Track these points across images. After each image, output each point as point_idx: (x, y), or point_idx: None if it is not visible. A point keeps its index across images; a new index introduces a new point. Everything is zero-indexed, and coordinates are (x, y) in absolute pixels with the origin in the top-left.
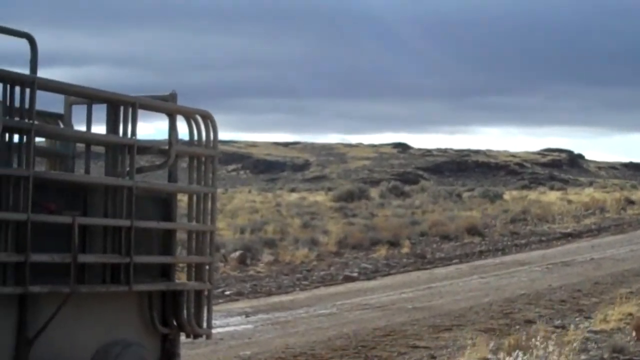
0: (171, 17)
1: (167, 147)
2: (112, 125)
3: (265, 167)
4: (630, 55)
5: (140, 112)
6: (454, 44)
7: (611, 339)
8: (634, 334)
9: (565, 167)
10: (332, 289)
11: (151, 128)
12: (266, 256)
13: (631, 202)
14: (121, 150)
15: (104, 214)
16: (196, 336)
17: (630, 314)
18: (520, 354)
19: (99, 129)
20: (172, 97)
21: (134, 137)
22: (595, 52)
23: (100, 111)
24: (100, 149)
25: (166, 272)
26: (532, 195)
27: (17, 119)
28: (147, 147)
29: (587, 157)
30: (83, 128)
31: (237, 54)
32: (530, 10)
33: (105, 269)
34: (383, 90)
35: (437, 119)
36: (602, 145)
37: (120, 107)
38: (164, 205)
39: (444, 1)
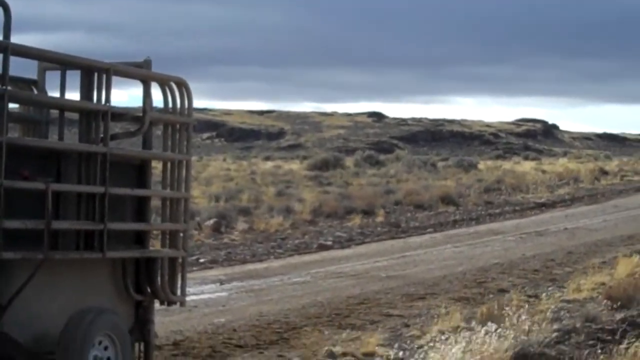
0: None
1: (141, 114)
2: (85, 92)
3: (240, 135)
4: (605, 27)
5: (114, 78)
6: (430, 13)
7: (584, 308)
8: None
9: (539, 137)
10: (307, 257)
11: (125, 95)
12: (241, 224)
13: (605, 173)
14: (95, 116)
15: (78, 181)
16: (170, 303)
17: (603, 284)
18: (498, 324)
19: (73, 95)
20: (147, 64)
21: (108, 104)
22: (570, 23)
23: (74, 78)
24: (74, 116)
25: (140, 239)
26: (507, 165)
27: None
28: (121, 114)
29: (562, 127)
30: (57, 94)
31: (212, 22)
32: None
33: (79, 235)
34: (358, 59)
35: (412, 89)
36: (577, 116)
37: (94, 73)
38: (138, 173)
39: None
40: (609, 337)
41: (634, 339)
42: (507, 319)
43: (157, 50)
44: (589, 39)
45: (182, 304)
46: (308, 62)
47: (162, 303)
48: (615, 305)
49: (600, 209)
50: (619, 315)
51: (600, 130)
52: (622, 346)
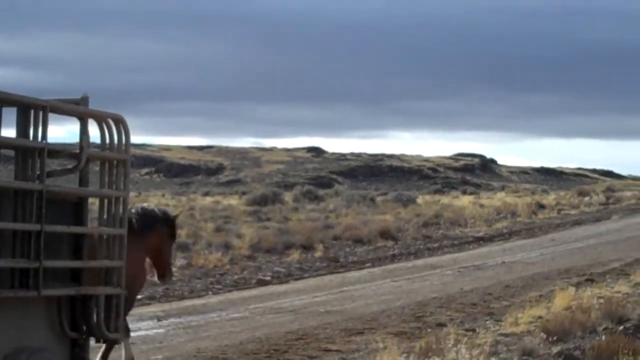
0: (85, 19)
1: (78, 151)
2: (22, 129)
3: (178, 170)
4: (545, 62)
5: (51, 115)
6: (369, 48)
7: (521, 341)
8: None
9: (477, 171)
10: (245, 293)
11: (62, 131)
12: (179, 260)
13: (542, 207)
14: (31, 153)
15: (14, 218)
16: (106, 341)
17: (540, 317)
18: (436, 358)
19: (9, 132)
20: (84, 100)
21: (44, 141)
22: (509, 58)
23: (10, 114)
24: (11, 152)
25: (76, 276)
26: (445, 199)
27: None
28: (58, 151)
29: (500, 161)
30: None
31: (151, 58)
32: (450, 14)
33: (14, 273)
34: (297, 94)
35: (351, 124)
36: (515, 150)
37: (30, 110)
38: (75, 210)
39: (361, 6)
40: None
41: None
42: (445, 352)
43: (94, 85)
44: (528, 73)
45: (118, 341)
46: (247, 97)
47: (98, 341)
48: (552, 339)
49: (537, 242)
50: (555, 349)
51: (537, 165)
52: None
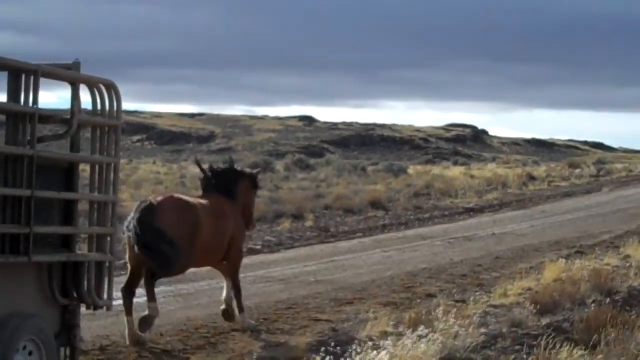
0: None
1: (69, 117)
2: (13, 94)
3: (170, 138)
4: (537, 33)
5: (43, 80)
6: (362, 17)
7: (510, 313)
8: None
9: (469, 142)
10: None
11: (54, 97)
12: None
13: (533, 178)
14: (22, 119)
15: (4, 183)
16: (97, 308)
17: (530, 289)
18: (423, 328)
19: (0, 97)
20: (76, 65)
21: (35, 106)
22: (502, 29)
23: (1, 79)
24: (1, 117)
25: (67, 243)
26: (436, 170)
27: None
28: (49, 116)
29: (491, 132)
30: None
31: (142, 24)
32: None
33: (4, 239)
34: (290, 62)
35: (344, 93)
36: (506, 121)
37: (21, 75)
38: (66, 175)
39: None
40: (535, 342)
41: (559, 344)
42: (435, 323)
43: (87, 52)
44: (520, 44)
45: (109, 308)
46: (239, 65)
47: (88, 307)
48: (541, 311)
49: (528, 214)
50: (544, 321)
51: (529, 136)
52: (548, 351)
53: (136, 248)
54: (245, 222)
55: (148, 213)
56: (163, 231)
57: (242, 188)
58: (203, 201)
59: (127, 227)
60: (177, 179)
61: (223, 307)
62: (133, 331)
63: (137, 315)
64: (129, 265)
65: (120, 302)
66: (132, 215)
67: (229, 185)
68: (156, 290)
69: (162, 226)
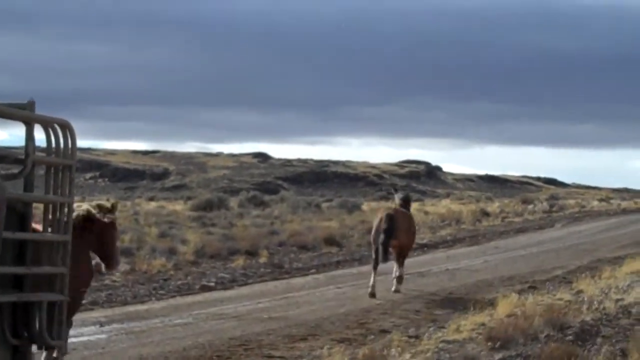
0: (31, 22)
1: (23, 157)
2: None
3: (123, 175)
4: (490, 70)
5: None
6: (317, 55)
7: (463, 348)
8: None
9: (423, 178)
10: (189, 299)
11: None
12: (122, 265)
13: (486, 214)
14: None
15: None
16: (48, 348)
17: (483, 324)
18: None
19: None
20: (30, 105)
21: None
22: (455, 66)
23: None
24: None
25: (19, 282)
26: (390, 205)
27: None
28: (2, 156)
29: (445, 169)
30: None
31: (96, 61)
32: (396, 20)
33: None
34: (244, 99)
35: (298, 130)
36: (460, 158)
37: None
38: (19, 215)
39: (307, 13)
40: None
41: None
42: (388, 359)
43: (40, 89)
44: (474, 81)
45: (61, 349)
46: (193, 102)
47: (40, 347)
48: (495, 346)
49: (481, 249)
50: (497, 356)
51: (482, 172)
52: None
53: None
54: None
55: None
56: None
57: (409, 205)
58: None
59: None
60: (130, 216)
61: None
62: None
63: (88, 353)
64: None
65: (73, 339)
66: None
67: (407, 203)
68: (108, 327)
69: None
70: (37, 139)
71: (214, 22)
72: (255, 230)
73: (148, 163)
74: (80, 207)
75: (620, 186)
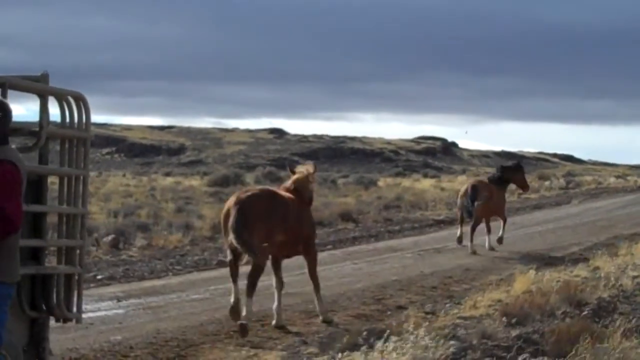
0: None
1: (37, 129)
2: None
3: (140, 150)
4: (505, 45)
5: (11, 92)
6: (332, 30)
7: (480, 324)
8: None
9: (439, 155)
10: (206, 274)
11: (22, 109)
12: (139, 240)
13: None
14: None
15: None
16: (66, 320)
17: (499, 300)
18: (394, 338)
19: None
20: (44, 77)
21: None
22: (471, 41)
23: None
24: None
25: (36, 255)
26: (406, 182)
27: None
28: (17, 129)
29: (461, 145)
30: None
31: (112, 36)
32: None
33: None
34: (260, 75)
35: (314, 105)
36: (476, 134)
37: None
38: (35, 188)
39: None
40: (505, 354)
41: (528, 355)
42: (406, 335)
43: (55, 64)
44: (489, 56)
45: (78, 321)
46: (209, 77)
47: (57, 320)
48: (511, 322)
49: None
50: (514, 332)
51: (498, 148)
52: None
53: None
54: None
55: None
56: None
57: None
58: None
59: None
60: (147, 191)
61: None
62: None
63: (105, 328)
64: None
65: (90, 314)
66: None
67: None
68: (125, 303)
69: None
70: (53, 114)
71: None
72: None
73: (164, 138)
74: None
75: (638, 163)
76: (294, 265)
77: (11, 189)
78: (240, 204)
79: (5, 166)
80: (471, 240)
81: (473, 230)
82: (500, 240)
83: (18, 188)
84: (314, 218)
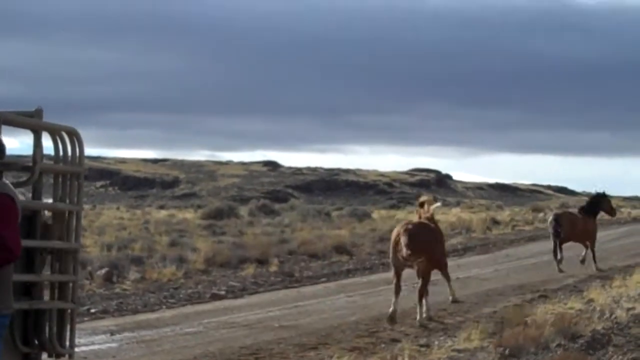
0: (39, 28)
1: (31, 164)
2: None
3: (134, 183)
4: (500, 77)
5: (4, 127)
6: (327, 62)
7: (474, 357)
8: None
9: (433, 187)
10: (199, 307)
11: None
12: (133, 274)
13: (496, 222)
14: None
15: None
16: (58, 356)
17: (494, 333)
18: None
19: None
20: (38, 113)
21: None
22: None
23: None
24: None
25: (29, 290)
26: (400, 214)
27: None
28: (10, 163)
29: (455, 177)
30: None
31: (105, 68)
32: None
33: None
34: (254, 107)
35: (308, 138)
36: (470, 166)
37: None
38: (28, 223)
39: (316, 20)
40: None
41: None
42: None
43: (49, 96)
44: (484, 88)
45: (71, 356)
46: (203, 110)
47: (50, 355)
48: (505, 354)
49: (491, 258)
50: None
51: (492, 181)
52: None
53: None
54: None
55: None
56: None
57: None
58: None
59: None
60: (141, 224)
61: None
62: None
63: None
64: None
65: (83, 348)
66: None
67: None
68: (119, 336)
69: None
70: (46, 147)
71: (224, 30)
72: (266, 238)
73: (158, 171)
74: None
75: (631, 194)
76: (289, 298)
77: (9, 218)
78: (409, 232)
79: (4, 198)
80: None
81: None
82: (583, 261)
83: (16, 219)
84: (310, 250)
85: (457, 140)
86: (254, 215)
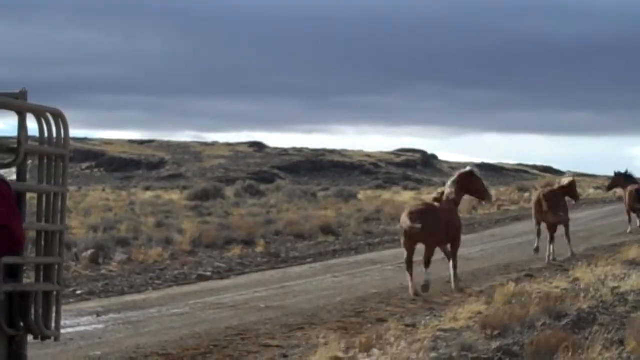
0: (22, 10)
1: (16, 146)
2: None
3: (119, 165)
4: (485, 56)
5: None
6: (311, 42)
7: (460, 337)
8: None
9: (419, 167)
10: (186, 288)
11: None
12: (119, 255)
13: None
14: None
15: None
16: (44, 338)
17: (480, 312)
18: (376, 351)
19: None
20: (22, 94)
21: None
22: (451, 53)
23: None
24: None
25: (14, 272)
26: (386, 195)
27: None
28: None
29: (441, 157)
30: None
31: (91, 50)
32: (390, 8)
33: None
34: (239, 88)
35: (294, 118)
36: (456, 146)
37: None
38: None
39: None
40: None
41: None
42: (387, 347)
43: (35, 78)
44: (469, 68)
45: (57, 338)
46: (189, 90)
47: (36, 337)
48: (491, 334)
49: (477, 238)
50: (494, 344)
51: (478, 160)
52: None
53: None
54: None
55: None
56: None
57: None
58: None
59: None
60: (127, 206)
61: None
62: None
63: (84, 344)
64: None
65: (69, 330)
66: None
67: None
68: (105, 317)
69: None
70: (31, 129)
71: (209, 11)
72: (252, 219)
73: (144, 152)
74: None
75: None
76: (275, 279)
77: (10, 205)
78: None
79: (2, 185)
80: None
81: None
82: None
83: (16, 205)
84: (298, 231)
85: (443, 120)
86: (240, 196)
